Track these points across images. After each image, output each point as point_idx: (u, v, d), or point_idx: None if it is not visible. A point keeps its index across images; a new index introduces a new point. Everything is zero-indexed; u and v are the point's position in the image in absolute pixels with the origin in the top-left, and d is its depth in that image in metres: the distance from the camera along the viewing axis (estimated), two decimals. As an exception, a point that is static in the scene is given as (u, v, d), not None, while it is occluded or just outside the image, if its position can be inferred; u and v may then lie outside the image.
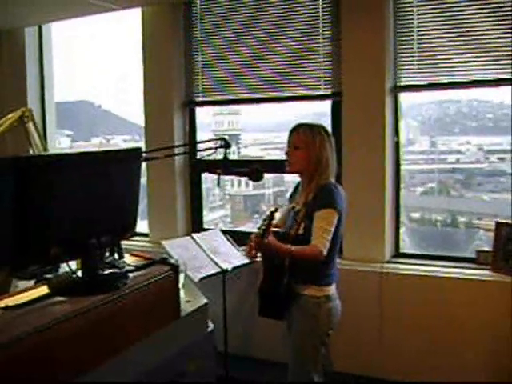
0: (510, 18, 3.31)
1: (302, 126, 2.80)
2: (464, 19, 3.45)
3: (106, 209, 1.96)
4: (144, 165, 3.39)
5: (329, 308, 2.73)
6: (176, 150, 4.02)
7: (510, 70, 3.34)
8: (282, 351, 2.92)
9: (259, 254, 2.88)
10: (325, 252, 2.60)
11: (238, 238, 3.90)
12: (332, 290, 2.77)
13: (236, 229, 4.68)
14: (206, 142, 2.90)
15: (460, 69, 3.50)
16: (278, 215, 2.81)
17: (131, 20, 4.50)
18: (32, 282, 2.13)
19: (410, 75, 3.66)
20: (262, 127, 4.90)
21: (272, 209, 2.65)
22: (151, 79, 4.48)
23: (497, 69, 3.38)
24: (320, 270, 2.71)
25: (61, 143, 5.56)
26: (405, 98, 3.83)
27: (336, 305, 2.78)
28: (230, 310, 3.69)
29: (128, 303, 1.93)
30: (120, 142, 5.44)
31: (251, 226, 4.72)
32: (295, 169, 2.81)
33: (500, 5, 3.34)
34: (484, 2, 3.39)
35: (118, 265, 2.04)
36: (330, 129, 3.82)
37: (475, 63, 3.45)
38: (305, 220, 2.69)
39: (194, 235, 3.78)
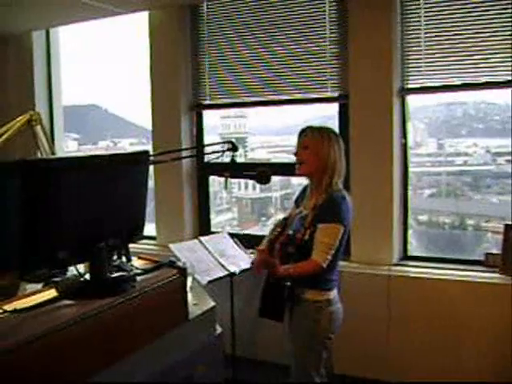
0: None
1: (310, 128, 2.82)
2: (472, 20, 3.43)
3: (114, 212, 1.96)
4: (151, 168, 3.39)
5: (330, 312, 2.74)
6: (183, 154, 4.02)
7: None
8: (288, 354, 2.91)
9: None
10: (325, 266, 2.64)
11: (245, 240, 3.90)
12: (333, 294, 2.78)
13: (243, 232, 4.68)
14: (213, 145, 2.89)
15: (468, 71, 3.48)
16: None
17: (138, 24, 4.52)
18: (40, 285, 2.13)
19: (418, 77, 3.64)
20: (268, 130, 4.90)
21: (286, 215, 2.71)
22: (158, 82, 4.48)
23: (506, 70, 3.36)
24: (322, 275, 2.71)
25: (68, 147, 5.58)
26: (411, 100, 3.82)
27: (337, 309, 2.79)
28: (237, 312, 3.68)
29: (136, 306, 1.93)
30: (127, 146, 5.46)
31: (258, 229, 4.72)
32: (306, 170, 2.79)
33: (509, 5, 3.32)
34: (492, 2, 3.37)
35: (125, 268, 2.04)
36: (337, 131, 3.86)
37: (484, 65, 3.43)
38: (311, 226, 2.70)
39: (202, 238, 3.78)
